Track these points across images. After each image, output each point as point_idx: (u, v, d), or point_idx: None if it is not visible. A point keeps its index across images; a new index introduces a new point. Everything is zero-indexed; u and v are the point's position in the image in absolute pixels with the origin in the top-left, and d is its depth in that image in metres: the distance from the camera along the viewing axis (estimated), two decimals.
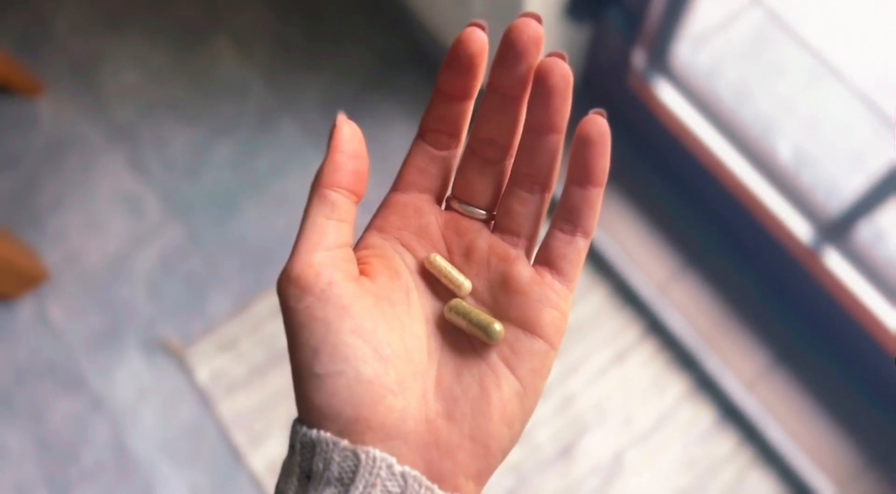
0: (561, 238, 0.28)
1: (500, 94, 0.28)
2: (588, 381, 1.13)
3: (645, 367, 1.13)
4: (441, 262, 0.29)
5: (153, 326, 1.18)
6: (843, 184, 1.14)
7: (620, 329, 1.15)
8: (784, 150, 1.17)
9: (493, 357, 0.28)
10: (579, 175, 0.28)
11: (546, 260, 0.29)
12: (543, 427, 1.10)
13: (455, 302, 0.28)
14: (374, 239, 0.30)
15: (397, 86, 1.33)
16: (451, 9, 1.20)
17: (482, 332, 0.28)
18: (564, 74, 0.26)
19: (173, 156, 1.29)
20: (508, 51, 0.27)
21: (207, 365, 1.15)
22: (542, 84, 0.27)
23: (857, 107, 1.21)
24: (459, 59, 0.27)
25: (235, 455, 1.11)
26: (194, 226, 1.25)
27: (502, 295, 0.29)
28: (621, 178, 1.21)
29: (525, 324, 0.28)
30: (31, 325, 1.19)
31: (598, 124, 0.27)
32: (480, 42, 0.27)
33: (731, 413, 1.10)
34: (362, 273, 0.29)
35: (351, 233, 0.28)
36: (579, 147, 0.27)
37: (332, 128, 0.28)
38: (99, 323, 1.19)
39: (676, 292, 1.16)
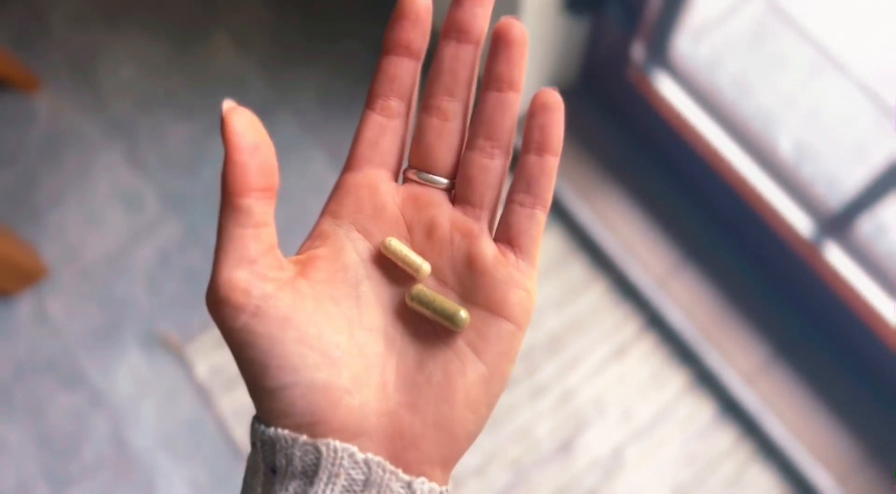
0: (520, 212, 0.28)
1: (455, 39, 0.28)
2: (587, 376, 1.13)
3: (644, 362, 1.13)
4: (397, 246, 0.28)
5: (152, 321, 1.18)
6: (844, 177, 1.13)
7: (620, 323, 1.15)
8: (785, 143, 1.16)
9: (459, 342, 0.27)
10: (537, 143, 0.28)
11: (507, 237, 0.28)
12: (543, 422, 1.10)
13: (417, 289, 0.28)
14: (328, 225, 0.29)
15: None
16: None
17: (447, 321, 0.27)
18: (522, 30, 0.27)
19: (171, 151, 1.29)
20: None
21: (207, 360, 1.15)
22: (503, 37, 0.27)
23: (859, 99, 1.20)
24: (408, 13, 0.28)
25: (235, 451, 1.11)
26: (193, 220, 1.25)
27: (467, 277, 0.28)
28: (620, 172, 1.20)
29: (492, 307, 0.28)
30: (31, 321, 1.19)
31: (553, 94, 0.28)
32: (427, 0, 0.28)
33: (730, 408, 1.10)
34: (304, 269, 0.27)
35: (273, 233, 0.27)
36: (537, 114, 0.28)
37: (222, 122, 0.25)
38: (98, 319, 1.19)
39: (676, 286, 1.15)
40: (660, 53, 1.11)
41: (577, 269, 1.18)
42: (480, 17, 0.28)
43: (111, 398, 1.15)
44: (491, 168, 0.28)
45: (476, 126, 0.29)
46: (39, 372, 1.16)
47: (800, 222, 1.06)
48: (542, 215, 0.28)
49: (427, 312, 0.27)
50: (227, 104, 0.26)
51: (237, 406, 1.13)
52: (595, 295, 1.17)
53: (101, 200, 1.26)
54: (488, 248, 0.28)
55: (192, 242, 1.23)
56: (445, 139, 0.29)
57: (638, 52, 1.11)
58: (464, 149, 0.29)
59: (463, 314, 0.27)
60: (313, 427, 0.25)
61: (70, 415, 1.14)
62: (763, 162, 1.08)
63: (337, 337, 0.26)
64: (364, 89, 1.42)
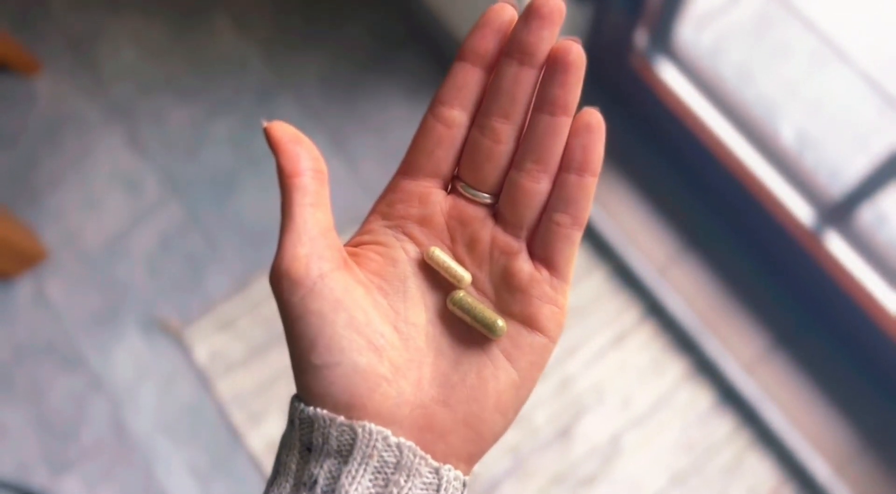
0: (556, 232, 0.29)
1: (517, 61, 0.28)
2: (587, 363, 1.13)
3: (644, 349, 1.13)
4: (440, 256, 0.29)
5: (152, 305, 1.18)
6: (845, 166, 1.13)
7: (620, 311, 1.15)
8: (787, 132, 1.16)
9: (494, 349, 0.29)
10: (578, 163, 0.28)
11: (543, 255, 0.29)
12: (542, 408, 1.11)
13: (459, 295, 0.29)
14: (377, 224, 0.30)
15: (397, 66, 1.32)
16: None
17: (486, 329, 0.28)
18: (580, 54, 0.27)
19: (172, 134, 1.29)
20: (534, 13, 0.27)
21: (206, 344, 1.15)
22: (560, 61, 0.27)
23: (862, 88, 1.20)
24: (492, 22, 0.28)
25: (234, 435, 1.11)
26: (193, 204, 1.24)
27: (504, 291, 0.29)
28: (622, 159, 1.20)
29: (526, 320, 0.29)
30: (30, 304, 1.19)
31: (596, 114, 0.28)
32: (513, 12, 0.28)
33: (729, 396, 1.10)
34: (357, 259, 0.29)
35: (329, 216, 0.29)
36: (580, 133, 0.28)
37: (265, 132, 0.28)
38: (98, 302, 1.19)
39: (676, 274, 1.15)
40: (663, 41, 1.11)
41: (578, 257, 1.17)
42: (546, 40, 0.28)
43: (110, 381, 1.15)
44: (535, 192, 0.29)
45: (525, 147, 0.29)
46: (39, 356, 1.16)
47: (801, 211, 1.06)
48: (577, 235, 0.29)
49: (467, 318, 0.29)
50: (265, 121, 0.29)
51: (236, 390, 1.13)
52: (595, 283, 1.17)
53: (101, 183, 1.26)
54: (525, 266, 0.29)
55: (192, 226, 1.23)
56: (494, 160, 0.29)
57: (641, 39, 1.11)
58: (511, 167, 0.30)
59: (501, 323, 0.28)
60: (349, 409, 0.27)
61: (69, 399, 1.14)
62: (765, 150, 1.08)
63: (383, 327, 0.28)
64: (365, 75, 1.42)
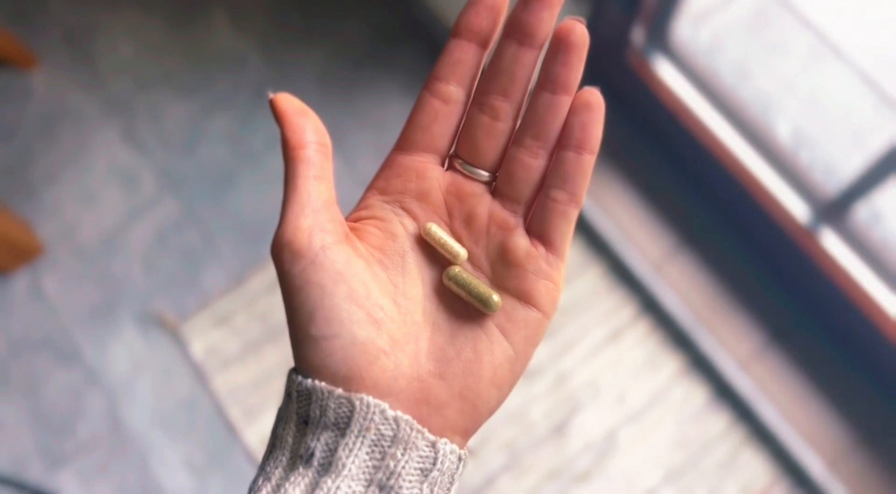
0: (553, 208, 0.29)
1: (517, 41, 0.28)
2: (582, 359, 1.13)
3: (639, 346, 1.13)
4: (437, 232, 0.29)
5: (148, 300, 1.18)
6: (841, 163, 1.14)
7: (615, 307, 1.15)
8: (783, 129, 1.16)
9: (489, 323, 0.29)
10: (577, 140, 0.29)
11: (539, 231, 0.29)
12: (537, 404, 1.11)
13: (454, 271, 0.29)
14: (375, 200, 0.30)
15: (395, 62, 1.32)
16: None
17: (481, 304, 0.29)
18: (584, 33, 0.28)
19: (168, 129, 1.29)
20: None
21: (202, 339, 1.15)
22: (563, 40, 0.28)
23: (858, 86, 1.20)
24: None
25: (230, 430, 1.11)
26: (190, 200, 1.24)
27: (500, 266, 0.30)
28: (618, 156, 1.20)
29: (521, 295, 0.29)
30: (26, 299, 1.19)
31: (596, 93, 0.28)
32: None
33: (724, 392, 1.10)
34: (358, 233, 0.29)
35: (332, 189, 0.29)
36: (580, 112, 0.28)
37: (271, 103, 0.29)
38: (94, 297, 1.19)
39: (672, 271, 1.16)
40: (660, 38, 1.11)
41: (574, 253, 1.18)
42: (546, 20, 0.28)
43: (106, 376, 1.15)
44: (534, 167, 0.29)
45: (525, 124, 0.29)
46: (35, 350, 1.16)
47: (796, 208, 1.06)
48: (574, 212, 0.29)
49: (462, 293, 0.29)
50: (271, 93, 0.29)
51: (232, 385, 1.13)
52: (591, 280, 1.17)
53: (97, 178, 1.26)
54: (522, 241, 0.29)
55: (188, 221, 1.23)
56: (493, 137, 0.30)
57: (638, 36, 1.11)
58: (510, 143, 0.30)
59: (496, 298, 0.29)
60: (347, 381, 0.27)
61: (65, 393, 1.14)
62: (761, 147, 1.08)
63: (382, 300, 0.28)
64: (362, 70, 1.42)
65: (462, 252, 0.29)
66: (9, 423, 1.13)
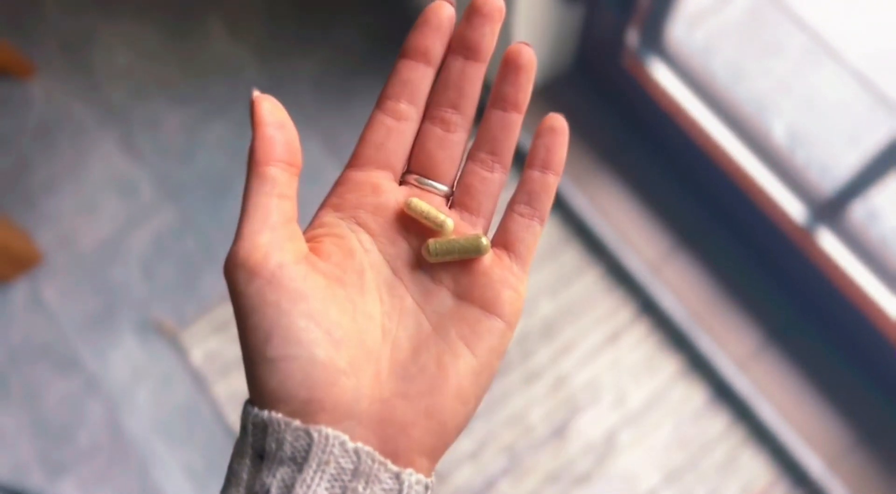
0: (519, 221, 0.30)
1: (462, 56, 0.29)
2: (581, 361, 1.13)
3: (638, 347, 1.14)
4: (420, 204, 0.29)
5: (147, 308, 1.19)
6: (837, 163, 1.14)
7: (613, 309, 1.15)
8: (778, 130, 1.16)
9: (452, 334, 0.28)
10: (542, 161, 0.30)
11: (504, 241, 0.30)
12: (536, 407, 1.11)
13: (432, 242, 0.29)
14: (330, 217, 0.30)
15: (390, 69, 1.32)
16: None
17: (473, 251, 0.29)
18: (531, 56, 0.29)
19: (166, 137, 1.29)
20: (475, 12, 0.29)
21: (202, 346, 1.16)
22: (513, 62, 0.29)
23: (853, 85, 1.20)
24: (431, 20, 0.29)
25: (230, 436, 1.11)
26: (187, 207, 1.25)
27: (463, 276, 0.29)
28: (614, 158, 1.20)
29: (485, 304, 0.29)
30: (25, 307, 1.19)
31: (560, 119, 0.30)
32: (451, 10, 0.29)
33: (723, 393, 1.10)
34: (314, 251, 0.28)
35: (294, 208, 0.28)
36: (544, 135, 0.30)
37: (251, 105, 0.28)
38: (93, 305, 1.19)
39: (669, 272, 1.16)
40: (654, 39, 1.11)
41: (571, 255, 1.18)
42: (489, 36, 0.29)
43: (106, 384, 1.15)
44: (491, 180, 0.30)
45: (480, 140, 0.30)
46: (34, 358, 1.17)
47: (793, 208, 1.06)
48: (538, 227, 0.30)
49: (452, 256, 0.29)
50: (256, 92, 0.28)
51: (232, 391, 1.13)
52: (589, 281, 1.17)
53: (95, 187, 1.26)
54: None
55: (186, 229, 1.23)
56: (447, 149, 0.30)
57: (632, 37, 1.11)
58: (465, 160, 0.31)
59: (484, 240, 0.29)
60: (307, 404, 0.25)
61: (65, 401, 1.14)
62: (757, 148, 1.08)
63: (341, 318, 0.27)
64: (358, 78, 1.42)
65: (448, 220, 0.29)
66: (9, 432, 1.13)
